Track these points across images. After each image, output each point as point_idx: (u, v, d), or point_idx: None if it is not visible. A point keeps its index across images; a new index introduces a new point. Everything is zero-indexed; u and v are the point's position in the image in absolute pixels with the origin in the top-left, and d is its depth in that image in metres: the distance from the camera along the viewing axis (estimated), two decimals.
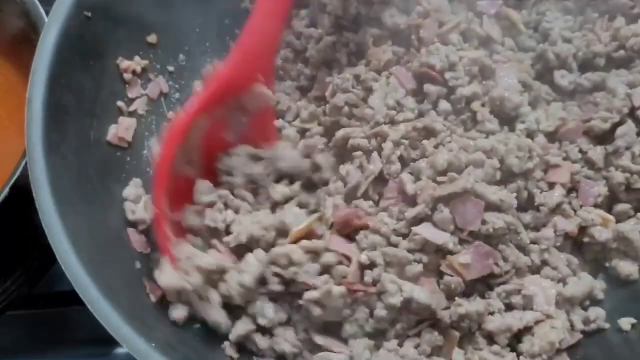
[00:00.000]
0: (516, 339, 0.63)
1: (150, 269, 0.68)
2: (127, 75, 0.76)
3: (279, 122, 0.77)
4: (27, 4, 0.75)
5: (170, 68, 0.81)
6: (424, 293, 0.60)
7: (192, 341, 0.65)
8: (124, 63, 0.76)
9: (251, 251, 0.65)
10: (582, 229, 0.67)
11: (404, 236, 0.63)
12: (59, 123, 0.67)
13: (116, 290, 0.61)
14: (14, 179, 0.66)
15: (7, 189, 0.66)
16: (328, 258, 0.63)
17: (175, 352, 0.59)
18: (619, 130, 0.68)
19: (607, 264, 0.68)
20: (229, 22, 0.84)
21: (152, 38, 0.79)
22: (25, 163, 0.65)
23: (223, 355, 0.65)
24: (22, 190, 0.65)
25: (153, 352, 0.57)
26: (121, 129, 0.74)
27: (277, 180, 0.72)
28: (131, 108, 0.77)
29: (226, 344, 0.65)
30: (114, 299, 0.59)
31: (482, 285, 0.65)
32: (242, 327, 0.65)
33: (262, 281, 0.64)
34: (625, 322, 0.64)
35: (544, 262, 0.66)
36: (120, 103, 0.75)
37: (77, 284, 0.59)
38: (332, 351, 0.63)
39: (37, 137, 0.64)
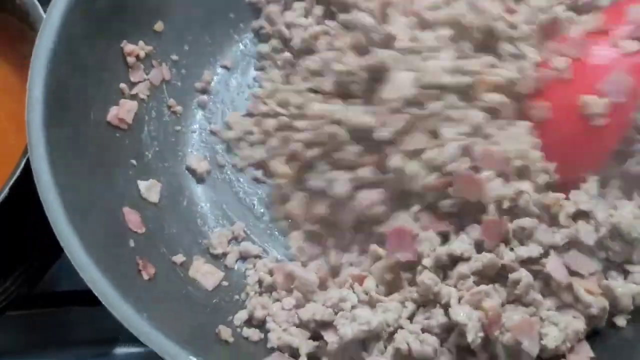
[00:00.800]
0: None
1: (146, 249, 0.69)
2: (130, 59, 0.77)
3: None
4: (26, 4, 0.75)
5: (174, 57, 0.82)
6: None
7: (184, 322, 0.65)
8: (128, 47, 0.76)
9: None
10: None
11: None
12: (60, 121, 0.67)
13: (116, 271, 0.62)
14: (14, 179, 0.66)
15: (7, 189, 0.66)
16: None
17: (172, 331, 0.60)
18: None
19: None
20: (233, 16, 0.86)
21: (158, 26, 0.80)
22: (26, 163, 0.65)
23: (218, 339, 0.65)
24: (22, 190, 0.65)
25: (152, 330, 0.58)
26: (122, 111, 0.75)
27: None
28: (133, 91, 0.77)
29: (220, 327, 0.66)
30: (115, 281, 0.60)
31: None
32: None
33: None
34: (620, 319, 0.64)
35: None
36: (122, 85, 0.76)
37: (84, 273, 0.60)
38: None
39: (37, 137, 0.64)
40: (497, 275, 0.62)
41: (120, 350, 0.86)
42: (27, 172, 0.65)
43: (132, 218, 0.71)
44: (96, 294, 0.59)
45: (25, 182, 0.64)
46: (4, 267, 0.74)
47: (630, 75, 0.63)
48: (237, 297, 0.72)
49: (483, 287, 0.61)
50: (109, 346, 0.86)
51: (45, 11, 0.71)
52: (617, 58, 0.64)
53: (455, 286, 0.62)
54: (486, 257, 0.61)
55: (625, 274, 0.64)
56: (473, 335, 0.59)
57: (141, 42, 0.78)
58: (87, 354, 0.87)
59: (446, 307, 0.61)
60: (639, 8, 0.65)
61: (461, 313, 0.60)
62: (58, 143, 0.65)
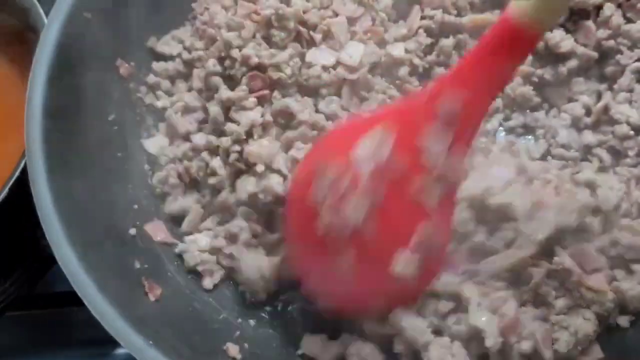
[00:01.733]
0: None
1: (150, 268, 0.68)
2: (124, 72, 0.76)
3: None
4: (26, 4, 0.75)
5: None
6: None
7: (192, 340, 0.65)
8: (123, 66, 0.76)
9: None
10: None
11: None
12: (59, 122, 0.67)
13: (114, 288, 0.61)
14: (14, 179, 0.66)
15: (6, 189, 0.66)
16: None
17: (174, 350, 0.59)
18: None
19: None
20: None
21: (151, 42, 0.79)
22: (25, 163, 0.65)
23: (226, 356, 0.65)
24: (22, 191, 0.65)
25: (149, 348, 0.57)
26: None
27: None
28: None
29: (229, 344, 0.65)
30: (111, 296, 0.60)
31: None
32: None
33: None
34: (624, 320, 0.64)
35: None
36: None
37: (76, 282, 0.60)
38: None
39: (37, 137, 0.64)
40: (511, 276, 0.63)
41: (121, 350, 0.86)
42: (27, 172, 0.64)
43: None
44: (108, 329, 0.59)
45: (25, 182, 0.64)
46: (3, 268, 0.74)
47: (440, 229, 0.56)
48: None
49: (502, 292, 0.61)
50: (109, 346, 0.86)
51: (45, 11, 0.71)
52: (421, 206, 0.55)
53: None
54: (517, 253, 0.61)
55: (631, 273, 0.64)
56: (492, 341, 0.58)
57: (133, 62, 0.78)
58: (87, 354, 0.87)
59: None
60: (438, 134, 0.53)
61: (482, 318, 0.59)
62: (58, 168, 0.65)
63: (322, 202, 0.55)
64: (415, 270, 0.56)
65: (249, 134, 0.70)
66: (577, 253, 0.63)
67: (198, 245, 0.71)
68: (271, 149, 0.68)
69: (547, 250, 0.63)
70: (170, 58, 0.79)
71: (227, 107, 0.72)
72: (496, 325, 0.59)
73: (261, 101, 0.71)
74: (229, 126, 0.70)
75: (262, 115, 0.70)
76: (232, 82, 0.73)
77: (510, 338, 0.59)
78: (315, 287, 0.62)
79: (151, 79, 0.78)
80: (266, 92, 0.71)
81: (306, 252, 0.61)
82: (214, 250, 0.71)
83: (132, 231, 0.70)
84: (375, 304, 0.60)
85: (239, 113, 0.71)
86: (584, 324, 0.61)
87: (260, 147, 0.68)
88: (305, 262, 0.63)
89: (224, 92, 0.71)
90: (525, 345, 0.59)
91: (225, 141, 0.70)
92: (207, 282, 0.71)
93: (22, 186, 0.65)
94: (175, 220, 0.74)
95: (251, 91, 0.71)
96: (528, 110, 0.77)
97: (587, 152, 0.74)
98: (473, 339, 0.60)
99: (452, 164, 0.53)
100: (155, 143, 0.77)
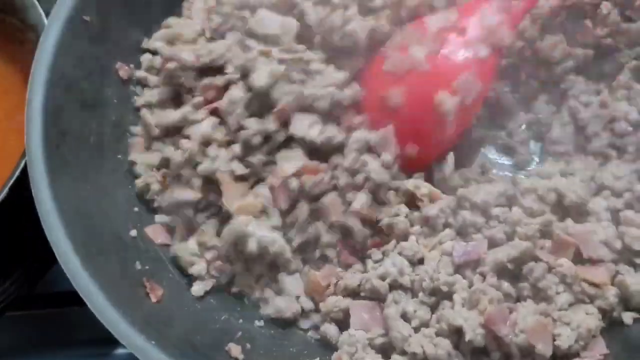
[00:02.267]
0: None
1: (151, 269, 0.68)
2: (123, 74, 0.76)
3: None
4: (26, 4, 0.75)
5: None
6: None
7: (194, 340, 0.65)
8: (123, 69, 0.76)
9: None
10: None
11: None
12: (59, 123, 0.67)
13: (115, 289, 0.61)
14: (14, 179, 0.66)
15: (6, 189, 0.66)
16: None
17: (175, 349, 0.59)
18: None
19: None
20: None
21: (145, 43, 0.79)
22: (25, 163, 0.65)
23: (228, 357, 0.65)
24: (22, 190, 0.65)
25: (152, 348, 0.57)
26: None
27: None
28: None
29: (231, 345, 0.65)
30: (113, 297, 0.60)
31: None
32: None
33: None
34: (627, 316, 0.64)
35: None
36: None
37: (77, 283, 0.60)
38: None
39: (36, 137, 0.65)
40: (512, 272, 0.63)
41: (121, 350, 0.86)
42: (27, 172, 0.64)
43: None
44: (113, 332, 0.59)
45: (25, 182, 0.64)
46: (4, 268, 0.74)
47: (479, 80, 0.67)
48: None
49: (479, 284, 0.62)
50: (109, 346, 0.86)
51: (45, 11, 0.71)
52: (469, 60, 0.68)
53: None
54: (522, 244, 0.62)
55: (636, 267, 0.65)
56: (471, 334, 0.59)
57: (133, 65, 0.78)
58: (87, 354, 0.87)
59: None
60: (491, 14, 0.68)
61: (458, 317, 0.60)
62: (58, 168, 0.65)
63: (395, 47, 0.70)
64: (453, 109, 0.67)
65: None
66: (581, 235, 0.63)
67: (189, 248, 0.71)
68: None
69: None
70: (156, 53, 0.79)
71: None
72: (475, 319, 0.60)
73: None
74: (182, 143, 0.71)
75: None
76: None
77: (499, 330, 0.59)
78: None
79: (140, 73, 0.78)
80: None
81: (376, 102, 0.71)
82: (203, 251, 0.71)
83: (133, 232, 0.71)
84: (419, 142, 0.70)
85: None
86: (587, 319, 0.61)
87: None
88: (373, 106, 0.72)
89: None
90: (521, 339, 0.59)
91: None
92: (197, 289, 0.69)
93: (22, 186, 0.65)
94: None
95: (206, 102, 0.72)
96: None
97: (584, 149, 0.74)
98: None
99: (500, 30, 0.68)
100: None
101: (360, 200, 0.68)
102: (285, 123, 0.69)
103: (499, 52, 0.69)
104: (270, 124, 0.68)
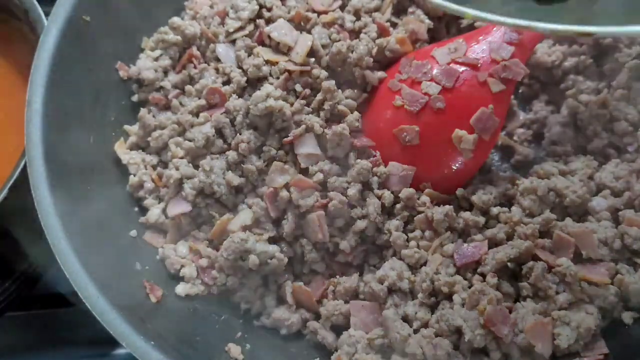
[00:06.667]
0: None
1: (151, 270, 0.68)
2: (123, 74, 0.76)
3: None
4: (26, 4, 0.75)
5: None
6: None
7: (194, 341, 0.65)
8: (122, 69, 0.76)
9: None
10: None
11: None
12: (59, 123, 0.67)
13: (115, 290, 0.61)
14: (14, 179, 0.66)
15: (6, 189, 0.66)
16: None
17: (175, 350, 0.59)
18: None
19: None
20: None
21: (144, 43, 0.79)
22: (25, 163, 0.65)
23: (228, 357, 0.65)
24: (21, 190, 0.65)
25: (152, 348, 0.57)
26: None
27: None
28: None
29: (230, 345, 0.65)
30: (113, 298, 0.60)
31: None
32: None
33: None
34: (627, 316, 0.64)
35: None
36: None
37: (77, 283, 0.60)
38: None
39: (36, 137, 0.65)
40: (512, 272, 0.64)
41: (120, 351, 0.86)
42: (27, 172, 0.64)
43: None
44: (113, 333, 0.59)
45: (25, 182, 0.64)
46: (4, 268, 0.74)
47: (496, 115, 0.66)
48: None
49: (479, 285, 0.62)
50: (109, 346, 0.86)
51: (45, 11, 0.71)
52: (485, 94, 0.66)
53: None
54: (522, 244, 0.62)
55: (635, 267, 0.64)
56: (471, 335, 0.59)
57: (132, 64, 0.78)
58: (87, 354, 0.87)
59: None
60: (504, 45, 0.67)
61: (458, 318, 0.60)
62: (57, 169, 0.65)
63: (404, 80, 0.70)
64: (472, 145, 0.66)
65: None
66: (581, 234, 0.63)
67: (177, 252, 0.71)
68: None
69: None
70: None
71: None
72: (474, 319, 0.60)
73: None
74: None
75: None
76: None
77: (499, 330, 0.59)
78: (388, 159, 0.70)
79: (134, 71, 0.77)
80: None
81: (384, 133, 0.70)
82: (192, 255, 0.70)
83: (133, 232, 0.71)
84: (435, 176, 0.69)
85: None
86: (586, 318, 0.61)
87: None
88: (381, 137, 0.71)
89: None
90: (520, 339, 0.59)
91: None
92: (181, 289, 0.69)
93: (21, 186, 0.65)
94: None
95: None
96: None
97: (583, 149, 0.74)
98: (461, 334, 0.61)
99: (514, 64, 0.67)
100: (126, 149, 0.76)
101: (349, 243, 0.67)
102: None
103: (513, 84, 0.68)
104: (271, 140, 0.69)
